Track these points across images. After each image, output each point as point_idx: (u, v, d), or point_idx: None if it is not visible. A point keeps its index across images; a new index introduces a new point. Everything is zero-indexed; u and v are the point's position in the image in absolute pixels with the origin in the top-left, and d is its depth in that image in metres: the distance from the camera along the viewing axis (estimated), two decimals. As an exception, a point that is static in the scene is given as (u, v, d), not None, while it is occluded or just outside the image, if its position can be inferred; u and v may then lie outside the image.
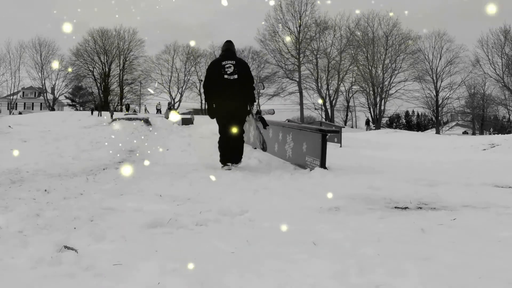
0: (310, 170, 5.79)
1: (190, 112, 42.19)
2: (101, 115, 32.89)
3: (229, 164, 6.19)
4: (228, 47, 6.29)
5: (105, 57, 58.03)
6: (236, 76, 6.01)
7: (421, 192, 4.33)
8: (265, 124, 6.77)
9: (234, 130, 6.09)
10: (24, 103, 61.17)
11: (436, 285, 2.00)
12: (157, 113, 43.06)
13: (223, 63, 6.09)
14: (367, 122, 50.02)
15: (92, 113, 35.36)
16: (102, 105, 49.29)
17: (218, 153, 6.41)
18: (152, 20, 75.26)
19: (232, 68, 6.02)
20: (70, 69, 55.55)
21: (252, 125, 7.67)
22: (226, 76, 6.01)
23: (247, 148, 8.76)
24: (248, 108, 6.40)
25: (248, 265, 2.27)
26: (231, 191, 4.56)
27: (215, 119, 6.41)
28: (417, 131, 47.80)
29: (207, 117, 7.04)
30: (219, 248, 2.57)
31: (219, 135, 6.38)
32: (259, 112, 6.62)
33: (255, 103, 6.62)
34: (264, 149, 7.31)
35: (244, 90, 6.10)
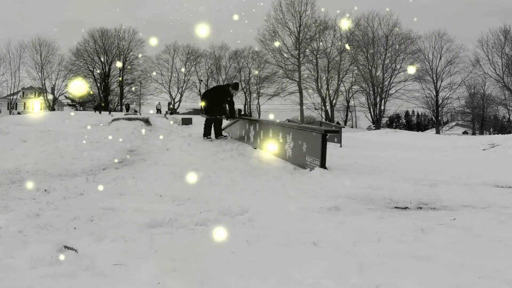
0: (310, 170, 5.78)
1: (189, 112, 42.14)
2: (101, 113, 33.00)
3: (210, 137, 9.85)
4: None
5: (105, 57, 58.06)
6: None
7: (421, 192, 4.33)
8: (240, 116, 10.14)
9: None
10: (24, 103, 61.17)
11: (436, 285, 2.00)
12: (157, 113, 43.06)
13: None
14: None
15: (95, 111, 35.71)
16: (103, 105, 49.26)
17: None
18: (151, 19, 75.25)
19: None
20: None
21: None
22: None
23: (247, 148, 8.77)
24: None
25: (248, 265, 2.27)
26: (231, 191, 4.56)
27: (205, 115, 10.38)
28: (417, 131, 47.71)
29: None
30: (219, 248, 2.57)
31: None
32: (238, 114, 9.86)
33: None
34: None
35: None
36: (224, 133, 10.84)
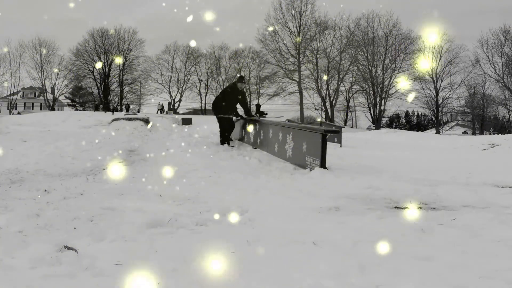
0: (310, 170, 5.78)
1: (189, 112, 42.11)
2: (105, 112, 33.13)
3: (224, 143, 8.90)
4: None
5: (105, 57, 57.99)
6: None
7: (421, 192, 4.33)
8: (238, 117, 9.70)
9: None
10: (24, 103, 61.10)
11: (436, 285, 2.00)
12: (157, 112, 43.16)
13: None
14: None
15: (96, 110, 36.14)
16: (103, 105, 49.29)
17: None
18: (151, 19, 75.20)
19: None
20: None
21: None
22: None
23: (247, 148, 8.77)
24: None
25: (248, 265, 2.27)
26: (231, 191, 4.56)
27: (218, 120, 9.17)
28: (417, 131, 47.65)
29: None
30: (219, 248, 2.57)
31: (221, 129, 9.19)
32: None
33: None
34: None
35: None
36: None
